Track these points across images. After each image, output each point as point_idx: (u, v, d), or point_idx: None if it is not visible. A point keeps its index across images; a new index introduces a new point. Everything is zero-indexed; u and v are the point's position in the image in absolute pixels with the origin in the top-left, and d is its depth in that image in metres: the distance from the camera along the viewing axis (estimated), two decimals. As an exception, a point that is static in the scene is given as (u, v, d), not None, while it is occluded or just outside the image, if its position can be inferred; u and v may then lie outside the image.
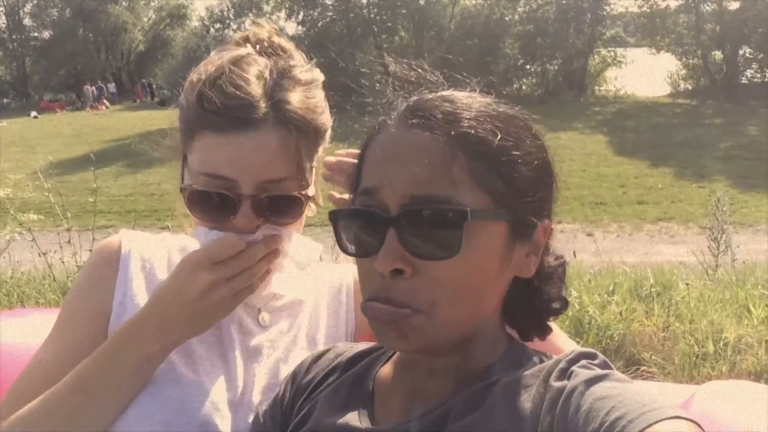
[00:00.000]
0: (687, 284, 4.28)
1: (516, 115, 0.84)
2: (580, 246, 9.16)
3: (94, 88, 37.10)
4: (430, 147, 0.77)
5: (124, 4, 42.54)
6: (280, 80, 1.09)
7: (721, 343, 3.55)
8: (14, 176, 5.52)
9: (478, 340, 0.83)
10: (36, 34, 44.79)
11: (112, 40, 43.39)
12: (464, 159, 0.77)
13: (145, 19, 46.21)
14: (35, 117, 31.37)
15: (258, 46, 1.15)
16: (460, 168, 0.76)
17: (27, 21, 44.24)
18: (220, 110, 1.05)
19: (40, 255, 4.70)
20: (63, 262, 4.94)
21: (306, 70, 1.14)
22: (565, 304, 0.90)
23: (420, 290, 0.77)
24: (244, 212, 1.07)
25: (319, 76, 1.16)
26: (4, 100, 40.60)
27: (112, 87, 40.38)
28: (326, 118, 1.15)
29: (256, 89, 1.07)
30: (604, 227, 11.72)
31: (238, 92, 1.05)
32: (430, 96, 0.84)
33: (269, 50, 1.15)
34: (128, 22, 42.69)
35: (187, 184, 1.10)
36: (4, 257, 5.22)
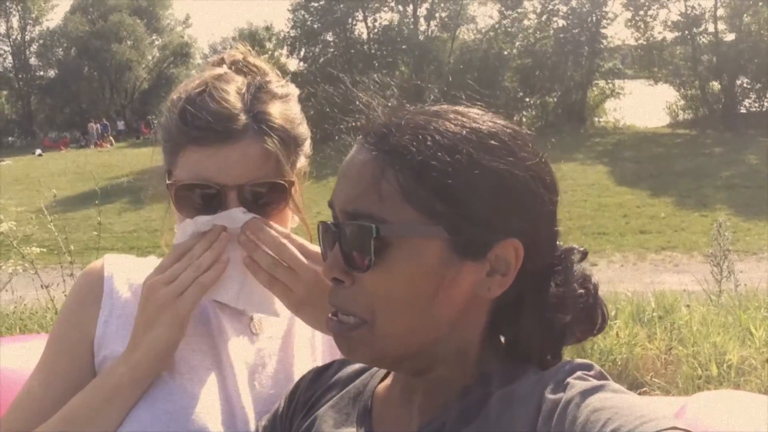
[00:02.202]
0: (688, 306, 4.26)
1: (495, 133, 0.81)
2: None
3: (98, 125, 37.49)
4: (364, 164, 0.80)
5: (128, 43, 43.19)
6: (257, 94, 1.13)
7: (725, 365, 3.53)
8: (17, 209, 5.55)
9: (464, 356, 0.83)
10: (41, 73, 45.46)
11: (116, 79, 43.97)
12: (394, 175, 0.77)
13: (150, 58, 46.91)
14: (40, 155, 31.64)
15: (234, 67, 1.20)
16: (389, 183, 0.78)
17: (33, 60, 44.97)
18: (203, 124, 1.08)
19: (42, 287, 4.70)
20: (65, 295, 4.93)
21: (281, 85, 1.18)
22: (572, 333, 0.84)
23: (358, 299, 0.81)
24: (231, 203, 1.09)
25: (294, 90, 1.21)
26: (9, 139, 41.01)
27: (120, 124, 40.81)
28: (304, 129, 1.19)
29: (235, 103, 1.10)
30: (607, 257, 11.70)
31: (218, 107, 1.09)
32: (396, 118, 0.83)
33: (245, 69, 1.19)
34: (133, 61, 43.32)
35: (174, 181, 1.12)
36: (6, 291, 5.23)
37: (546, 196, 0.82)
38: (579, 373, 0.75)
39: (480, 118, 0.83)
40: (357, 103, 0.90)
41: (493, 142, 0.80)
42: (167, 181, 1.15)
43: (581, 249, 0.87)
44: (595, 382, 0.73)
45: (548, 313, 0.82)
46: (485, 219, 0.78)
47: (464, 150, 0.78)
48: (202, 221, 1.09)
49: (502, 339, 0.88)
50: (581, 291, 0.84)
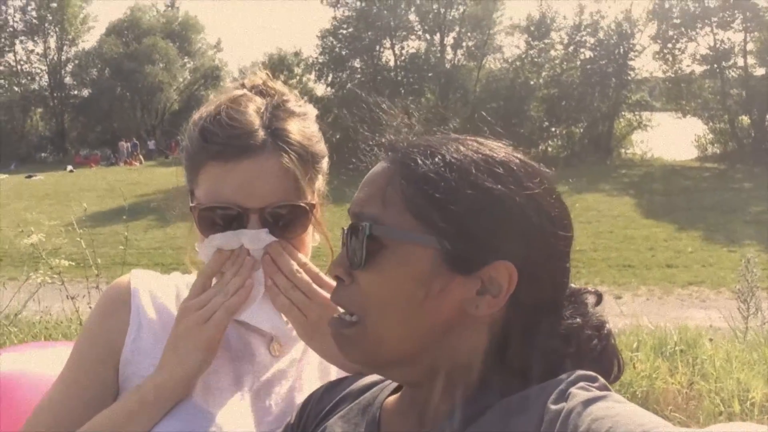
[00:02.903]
0: (711, 339, 4.18)
1: (505, 161, 0.84)
2: (608, 308, 8.94)
3: (128, 144, 38.17)
4: (377, 173, 0.88)
5: (160, 65, 44.08)
6: (275, 112, 1.17)
7: (748, 402, 3.46)
8: (48, 223, 5.67)
9: (465, 373, 0.84)
10: (76, 92, 46.43)
11: (147, 99, 44.79)
12: (399, 183, 0.83)
13: (181, 79, 47.76)
14: (71, 171, 32.26)
15: (253, 90, 1.23)
16: (394, 190, 0.84)
17: (68, 79, 45.98)
18: (222, 140, 1.11)
19: (68, 298, 4.78)
20: (90, 307, 5.00)
21: (299, 104, 1.22)
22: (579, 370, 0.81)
23: (354, 298, 0.86)
24: (253, 225, 1.12)
25: (312, 110, 1.24)
26: (42, 155, 41.81)
27: (151, 144, 41.50)
28: (322, 147, 1.22)
29: (254, 120, 1.14)
30: (632, 290, 11.51)
31: (237, 124, 1.12)
32: (416, 137, 0.90)
33: (264, 92, 1.22)
34: (164, 82, 44.13)
35: (197, 204, 1.15)
36: (33, 301, 5.32)
37: (548, 228, 0.83)
38: (582, 383, 0.76)
39: (495, 147, 0.87)
40: (384, 122, 0.95)
41: (499, 168, 0.83)
42: (190, 204, 1.17)
43: (595, 291, 0.88)
44: (597, 392, 0.73)
45: (543, 343, 0.82)
46: (478, 237, 0.81)
47: (468, 170, 0.83)
48: (227, 237, 1.12)
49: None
50: (589, 332, 0.84)
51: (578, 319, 0.84)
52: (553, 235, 0.83)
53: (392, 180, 0.84)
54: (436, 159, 0.83)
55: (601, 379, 0.78)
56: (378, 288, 0.83)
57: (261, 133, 1.12)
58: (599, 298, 0.88)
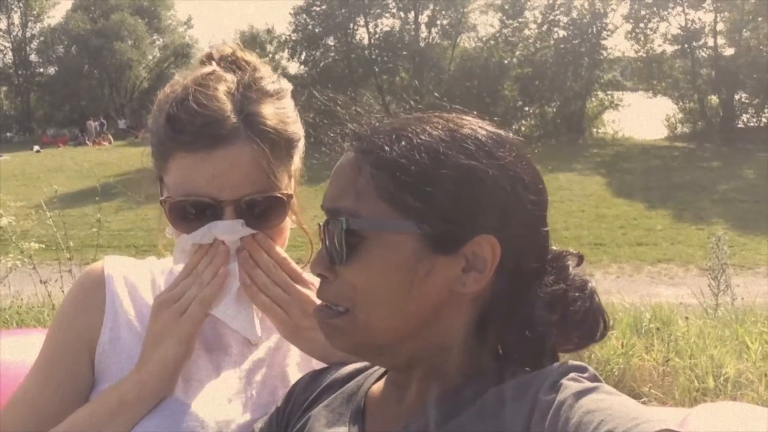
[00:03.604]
0: (686, 318, 4.27)
1: (473, 135, 0.83)
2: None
3: (96, 123, 37.45)
4: (345, 165, 0.86)
5: (129, 42, 43.15)
6: (248, 93, 1.09)
7: (722, 378, 3.55)
8: (16, 204, 5.54)
9: (449, 354, 0.84)
10: (41, 70, 45.39)
11: (116, 77, 43.89)
12: (369, 172, 0.82)
13: (150, 57, 46.88)
14: (38, 151, 31.58)
15: (222, 63, 1.15)
16: (365, 180, 0.82)
17: (33, 57, 44.89)
18: (191, 129, 1.05)
19: (41, 282, 4.70)
20: (63, 291, 4.92)
21: (273, 81, 1.14)
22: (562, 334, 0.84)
23: (341, 292, 0.84)
24: (228, 217, 1.07)
25: (287, 85, 1.17)
26: (7, 134, 40.87)
27: (122, 123, 40.75)
28: (298, 128, 1.15)
29: (225, 105, 1.07)
30: (604, 268, 11.72)
31: (205, 110, 1.05)
32: (379, 123, 0.89)
33: (234, 65, 1.15)
34: (133, 60, 43.26)
35: (167, 197, 1.10)
36: (4, 285, 5.22)
37: (524, 195, 0.83)
38: (572, 374, 0.76)
39: (460, 121, 0.86)
40: (343, 112, 0.92)
41: (468, 142, 0.83)
42: (160, 197, 1.12)
43: (576, 253, 0.88)
44: (588, 384, 0.73)
45: (530, 311, 0.82)
46: (456, 215, 0.80)
47: (437, 149, 0.81)
48: (202, 233, 1.08)
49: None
50: (576, 294, 0.84)
51: (562, 285, 0.84)
52: (529, 201, 0.83)
53: (362, 170, 0.83)
54: (403, 143, 0.82)
55: (591, 370, 0.78)
56: (364, 280, 0.82)
57: (233, 120, 1.05)
58: (580, 259, 0.88)
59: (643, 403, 3.45)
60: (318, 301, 0.89)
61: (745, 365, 3.64)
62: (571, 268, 0.86)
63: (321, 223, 0.88)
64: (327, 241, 0.84)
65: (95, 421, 1.05)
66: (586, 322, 0.85)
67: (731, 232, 12.78)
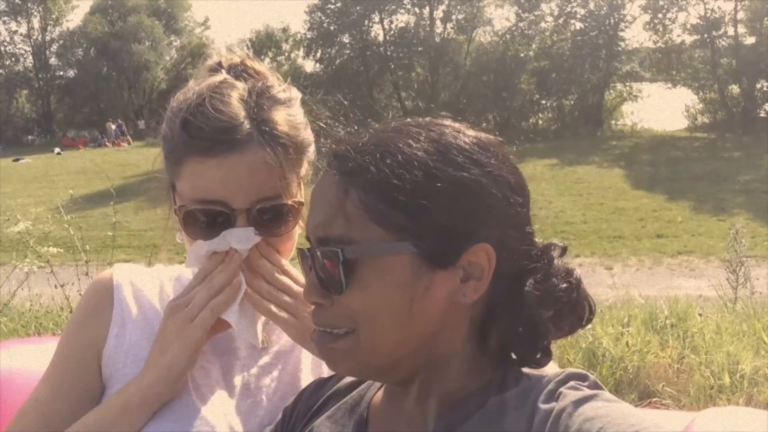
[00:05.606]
0: (700, 314, 4.22)
1: (456, 144, 0.82)
2: (599, 279, 9.09)
3: (115, 124, 37.82)
4: (328, 188, 0.83)
5: (147, 43, 43.48)
6: (260, 101, 1.11)
7: (738, 375, 3.50)
8: (35, 210, 5.61)
9: (449, 364, 0.84)
10: (61, 73, 45.88)
11: (134, 78, 44.25)
12: (356, 195, 0.79)
13: (167, 58, 47.16)
14: (58, 153, 31.99)
15: (232, 72, 1.17)
16: (353, 204, 0.80)
17: (53, 60, 45.40)
18: (206, 134, 1.07)
19: (57, 287, 4.76)
20: (80, 293, 4.98)
21: (283, 90, 1.16)
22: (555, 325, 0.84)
23: (339, 318, 0.83)
24: (240, 224, 1.09)
25: (297, 94, 1.19)
26: (29, 137, 41.42)
27: (141, 124, 41.09)
28: (308, 134, 1.17)
29: (238, 111, 1.09)
30: (623, 261, 11.59)
31: (221, 116, 1.07)
32: (358, 139, 0.85)
33: (244, 74, 1.17)
34: (151, 61, 43.58)
35: (181, 205, 1.12)
36: (22, 289, 5.29)
37: (512, 198, 0.83)
38: (572, 383, 0.76)
39: (443, 130, 0.84)
40: (321, 125, 0.91)
41: (454, 152, 0.81)
42: (174, 205, 1.14)
43: (560, 244, 0.88)
44: (587, 392, 0.73)
45: (528, 311, 0.82)
46: (450, 228, 0.79)
47: (424, 164, 0.79)
48: (218, 240, 1.09)
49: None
50: (564, 285, 0.84)
51: (553, 280, 0.84)
52: (517, 203, 0.83)
53: (348, 193, 0.80)
54: (389, 161, 0.79)
55: (591, 377, 0.78)
56: (363, 304, 0.81)
57: (246, 126, 1.07)
58: (563, 250, 0.88)
59: (657, 401, 3.42)
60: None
61: (762, 361, 3.58)
62: (555, 260, 0.86)
63: (306, 249, 0.86)
64: (319, 271, 0.82)
65: (100, 425, 1.06)
66: (576, 310, 0.85)
67: (753, 223, 12.58)
